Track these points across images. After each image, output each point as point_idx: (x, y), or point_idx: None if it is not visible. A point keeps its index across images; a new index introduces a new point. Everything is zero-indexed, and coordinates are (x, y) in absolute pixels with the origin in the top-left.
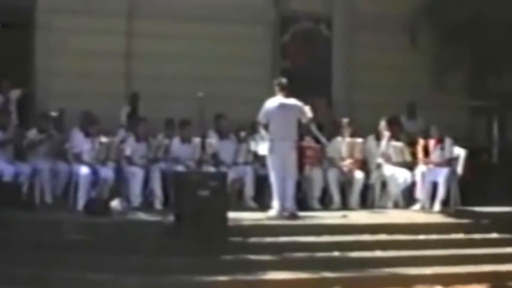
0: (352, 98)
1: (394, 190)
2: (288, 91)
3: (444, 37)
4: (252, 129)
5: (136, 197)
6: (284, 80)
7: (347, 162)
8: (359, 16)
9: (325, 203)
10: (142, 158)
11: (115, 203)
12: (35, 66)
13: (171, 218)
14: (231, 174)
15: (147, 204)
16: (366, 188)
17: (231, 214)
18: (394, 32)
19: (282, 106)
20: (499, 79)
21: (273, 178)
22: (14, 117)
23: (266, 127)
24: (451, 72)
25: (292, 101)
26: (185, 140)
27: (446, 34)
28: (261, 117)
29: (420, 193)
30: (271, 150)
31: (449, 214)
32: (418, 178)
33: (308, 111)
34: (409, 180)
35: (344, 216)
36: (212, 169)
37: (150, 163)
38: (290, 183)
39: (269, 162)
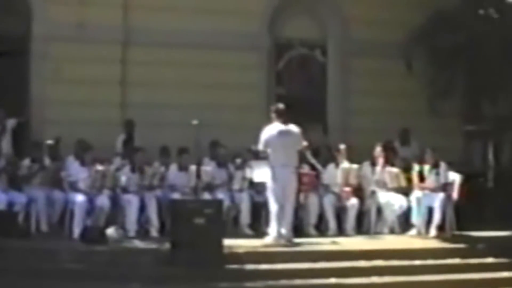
0: (347, 124)
1: (390, 216)
2: (286, 117)
3: (439, 63)
4: (248, 155)
5: (132, 224)
6: (281, 106)
7: (346, 189)
8: (353, 42)
9: (321, 229)
10: (137, 186)
11: (111, 231)
12: (30, 94)
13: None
14: (227, 201)
15: (143, 232)
16: (362, 214)
17: (227, 242)
18: (388, 57)
19: (281, 133)
20: (493, 103)
21: (272, 205)
22: (9, 146)
23: (265, 154)
24: (446, 97)
25: (291, 127)
26: (182, 168)
27: (441, 60)
28: (260, 145)
29: (416, 218)
30: (272, 177)
31: (445, 239)
32: (413, 204)
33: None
34: (404, 206)
35: (334, 242)
36: (207, 196)
37: (146, 190)
38: (289, 210)
39: (270, 189)
